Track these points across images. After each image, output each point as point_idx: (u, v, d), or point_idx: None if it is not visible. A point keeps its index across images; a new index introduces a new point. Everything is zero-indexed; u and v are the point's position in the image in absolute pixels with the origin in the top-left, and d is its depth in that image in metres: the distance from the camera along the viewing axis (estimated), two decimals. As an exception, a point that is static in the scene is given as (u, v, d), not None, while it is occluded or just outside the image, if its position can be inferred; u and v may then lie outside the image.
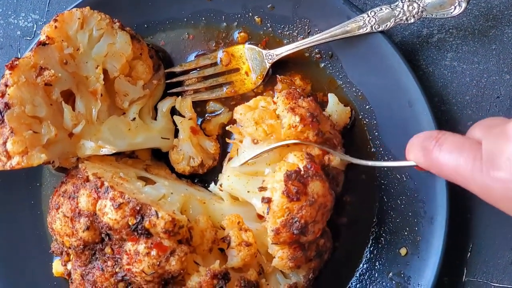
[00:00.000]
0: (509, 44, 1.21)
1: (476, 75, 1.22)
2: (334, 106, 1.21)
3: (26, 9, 1.34)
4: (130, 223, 1.00)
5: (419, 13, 1.15)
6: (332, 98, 1.21)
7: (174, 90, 1.26)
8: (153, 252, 0.99)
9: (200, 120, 1.26)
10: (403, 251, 1.18)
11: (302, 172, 1.01)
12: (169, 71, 1.26)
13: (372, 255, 1.21)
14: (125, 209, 0.99)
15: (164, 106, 1.23)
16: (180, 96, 1.25)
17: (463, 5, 1.14)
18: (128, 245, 1.01)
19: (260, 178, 1.09)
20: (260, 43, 1.25)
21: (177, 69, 1.26)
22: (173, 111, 1.25)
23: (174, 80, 1.26)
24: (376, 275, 1.19)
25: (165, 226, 0.99)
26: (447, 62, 1.23)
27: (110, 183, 1.02)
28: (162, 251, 1.00)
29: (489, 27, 1.22)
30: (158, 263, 1.00)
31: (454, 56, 1.23)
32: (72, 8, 1.14)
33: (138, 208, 0.99)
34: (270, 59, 1.23)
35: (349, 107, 1.22)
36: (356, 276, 1.21)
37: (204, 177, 1.26)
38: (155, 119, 1.23)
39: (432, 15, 1.15)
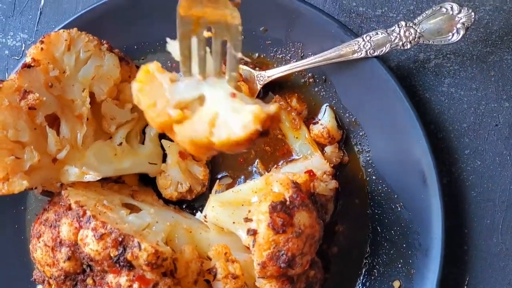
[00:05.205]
0: (508, 70, 1.17)
1: (474, 102, 1.19)
2: (329, 118, 1.19)
3: (15, 28, 1.31)
4: (112, 255, 0.96)
5: (416, 39, 1.12)
6: (329, 111, 1.19)
7: None
8: (135, 285, 0.96)
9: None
10: (396, 284, 1.14)
11: (287, 203, 0.98)
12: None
13: (364, 287, 1.17)
14: (107, 240, 0.96)
15: (153, 130, 1.20)
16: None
17: (461, 32, 1.10)
18: (110, 277, 0.98)
19: (246, 208, 1.05)
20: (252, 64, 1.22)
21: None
22: (162, 135, 1.21)
23: None
24: (368, 308, 1.16)
25: (148, 259, 0.95)
26: (444, 88, 1.20)
27: (92, 212, 0.99)
28: (144, 284, 0.96)
29: (487, 53, 1.19)
30: (140, 296, 0.96)
31: (451, 82, 1.20)
32: (59, 29, 1.11)
33: (120, 239, 0.96)
34: (262, 80, 1.20)
35: (340, 131, 1.19)
36: (347, 309, 1.17)
37: (192, 203, 1.23)
38: (143, 143, 1.20)
39: (429, 41, 1.12)
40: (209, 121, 0.88)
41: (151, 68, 0.93)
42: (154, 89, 0.91)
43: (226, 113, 0.89)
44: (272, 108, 0.88)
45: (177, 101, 0.90)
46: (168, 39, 0.96)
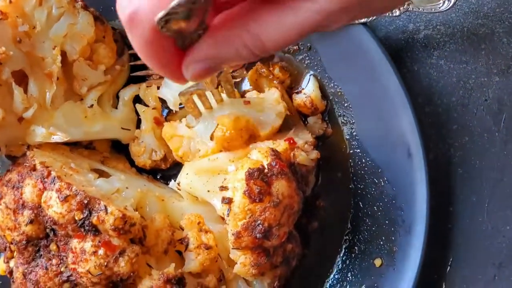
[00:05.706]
0: (499, 44, 1.13)
1: (463, 75, 1.14)
2: (313, 87, 1.13)
3: (-14, -15, 1.25)
4: (76, 218, 0.91)
5: (405, 5, 1.07)
6: (313, 80, 1.14)
7: (138, 74, 1.16)
8: (101, 251, 0.90)
9: (165, 112, 1.16)
10: (377, 262, 1.09)
11: (266, 170, 0.92)
12: (134, 52, 1.17)
13: (344, 265, 1.12)
14: (71, 202, 0.91)
15: (127, 94, 1.14)
16: (145, 82, 1.16)
17: (452, 0, 1.06)
18: (74, 242, 0.93)
19: (222, 176, 1.00)
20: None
21: (143, 50, 1.17)
22: (136, 100, 1.16)
23: (139, 62, 1.17)
24: (347, 287, 1.11)
25: (114, 223, 0.90)
26: (434, 61, 1.15)
27: (57, 173, 0.94)
28: (110, 250, 0.91)
29: (479, 25, 1.14)
30: (105, 263, 0.91)
31: (441, 54, 1.15)
32: (32, -16, 1.05)
33: (85, 201, 0.91)
34: (244, 47, 1.14)
35: (324, 101, 1.14)
36: (325, 287, 1.12)
37: (167, 172, 1.17)
38: (116, 107, 1.14)
39: (419, 9, 1.07)
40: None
41: (168, 133, 1.08)
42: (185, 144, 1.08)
43: (255, 117, 1.05)
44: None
45: (209, 135, 1.05)
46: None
